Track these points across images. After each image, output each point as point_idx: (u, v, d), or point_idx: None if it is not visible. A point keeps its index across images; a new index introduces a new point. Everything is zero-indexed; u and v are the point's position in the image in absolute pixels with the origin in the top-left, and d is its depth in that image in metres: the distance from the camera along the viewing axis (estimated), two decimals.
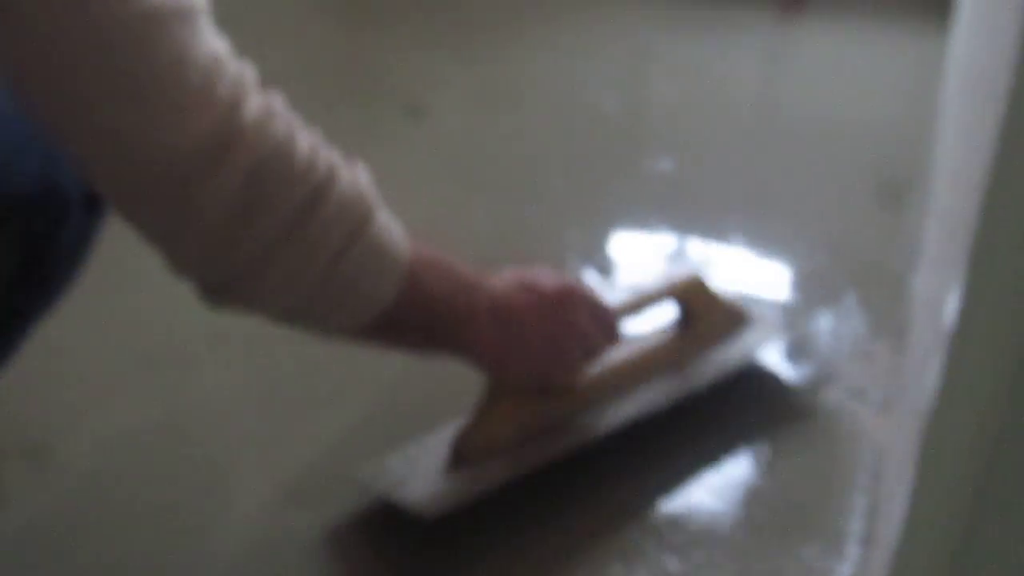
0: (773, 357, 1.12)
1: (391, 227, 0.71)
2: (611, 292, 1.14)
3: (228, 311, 0.67)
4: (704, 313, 1.01)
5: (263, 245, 0.61)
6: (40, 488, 0.95)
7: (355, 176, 0.69)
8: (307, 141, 0.64)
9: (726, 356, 1.03)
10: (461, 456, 0.87)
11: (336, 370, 1.07)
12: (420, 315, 0.75)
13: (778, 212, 1.44)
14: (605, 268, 1.30)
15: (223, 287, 0.64)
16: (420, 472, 0.87)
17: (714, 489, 0.98)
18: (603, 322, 0.89)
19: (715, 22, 2.19)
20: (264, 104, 0.62)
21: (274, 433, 1.03)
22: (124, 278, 1.12)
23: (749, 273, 1.30)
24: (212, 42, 0.60)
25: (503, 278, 0.84)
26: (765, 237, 1.38)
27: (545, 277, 0.86)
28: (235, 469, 1.00)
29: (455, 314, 0.78)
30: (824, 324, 1.19)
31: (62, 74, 0.56)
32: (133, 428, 1.02)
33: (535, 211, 1.41)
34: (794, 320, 1.20)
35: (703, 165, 1.56)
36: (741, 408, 1.06)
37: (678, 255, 1.34)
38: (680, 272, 1.09)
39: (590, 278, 1.26)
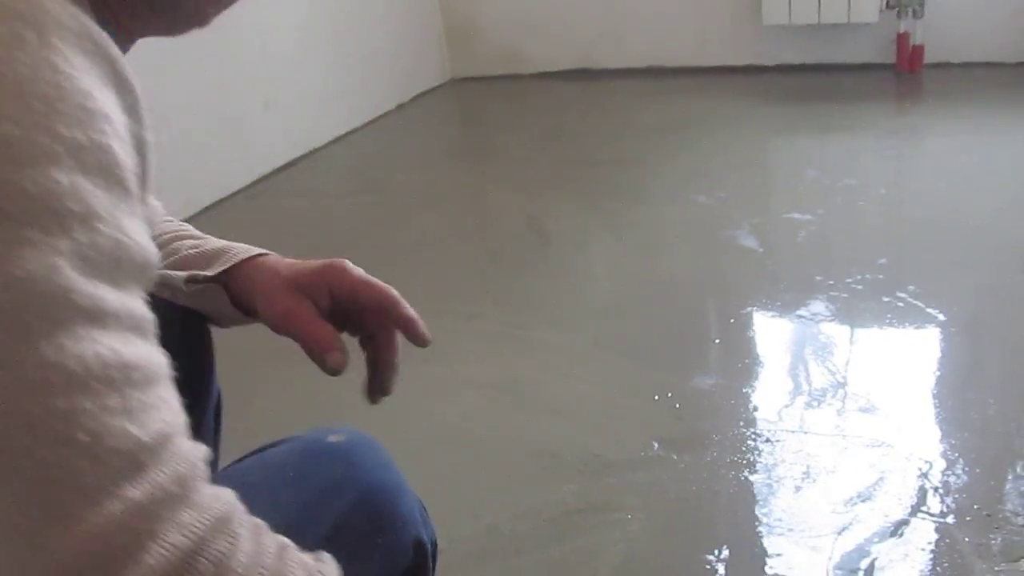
0: (958, 524, 1.04)
1: None
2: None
3: None
4: None
5: None
6: None
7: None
8: None
9: None
10: None
11: None
12: None
13: (948, 361, 1.39)
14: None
15: None
16: None
17: None
18: None
19: (834, 121, 2.19)
20: None
21: None
22: None
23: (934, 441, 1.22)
24: None
25: None
26: (937, 393, 1.33)
27: None
28: None
29: None
30: (1012, 483, 1.10)
31: None
32: None
33: (705, 383, 1.45)
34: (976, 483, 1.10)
35: (854, 305, 1.57)
36: None
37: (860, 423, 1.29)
38: None
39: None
